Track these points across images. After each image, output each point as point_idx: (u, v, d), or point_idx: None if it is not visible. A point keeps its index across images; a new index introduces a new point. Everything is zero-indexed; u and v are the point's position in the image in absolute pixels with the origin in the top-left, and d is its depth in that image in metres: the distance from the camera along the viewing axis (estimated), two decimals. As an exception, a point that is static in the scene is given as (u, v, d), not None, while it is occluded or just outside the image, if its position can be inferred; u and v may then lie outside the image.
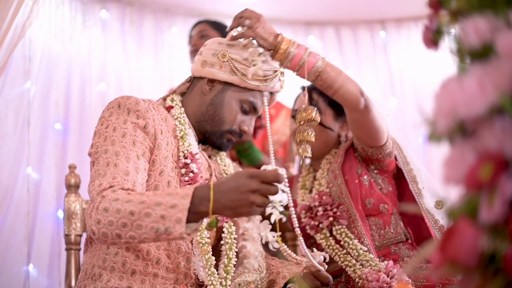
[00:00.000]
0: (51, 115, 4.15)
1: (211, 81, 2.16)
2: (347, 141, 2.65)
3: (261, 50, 2.10)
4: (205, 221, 1.80)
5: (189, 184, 2.03)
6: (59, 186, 4.01)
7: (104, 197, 1.76)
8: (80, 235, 2.48)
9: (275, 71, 2.16)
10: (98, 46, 4.56)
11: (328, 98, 2.54)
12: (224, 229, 2.12)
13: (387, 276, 2.13)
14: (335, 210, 2.42)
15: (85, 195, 2.37)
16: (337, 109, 2.57)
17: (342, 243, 2.36)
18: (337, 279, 2.40)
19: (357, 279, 2.23)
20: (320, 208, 2.44)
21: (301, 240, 1.90)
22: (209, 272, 1.98)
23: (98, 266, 1.95)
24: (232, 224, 2.14)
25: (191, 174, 2.06)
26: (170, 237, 1.66)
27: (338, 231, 2.38)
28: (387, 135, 2.43)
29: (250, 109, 2.18)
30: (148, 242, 1.72)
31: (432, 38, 0.98)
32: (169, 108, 2.18)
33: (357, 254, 2.29)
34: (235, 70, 2.11)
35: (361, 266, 2.26)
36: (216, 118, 2.15)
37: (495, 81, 0.79)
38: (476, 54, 0.84)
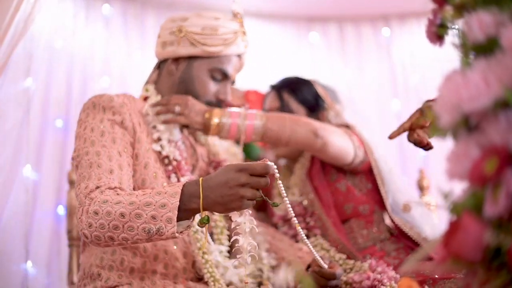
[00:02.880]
0: (52, 112, 4.15)
1: (176, 60, 2.15)
2: None
3: None
4: (198, 216, 1.79)
5: (174, 172, 2.03)
6: (59, 183, 4.01)
7: (92, 199, 1.74)
8: (83, 231, 2.49)
9: (236, 32, 2.14)
10: (101, 42, 4.56)
11: (299, 96, 2.53)
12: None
13: (373, 273, 2.12)
14: (308, 220, 2.39)
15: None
16: (309, 106, 2.55)
17: (321, 251, 2.33)
18: None
19: (343, 286, 2.20)
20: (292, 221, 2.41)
21: (300, 231, 1.88)
22: (203, 261, 1.96)
23: (96, 265, 1.94)
24: None
25: (174, 162, 2.05)
26: (163, 237, 1.65)
27: (314, 243, 2.34)
28: (354, 149, 2.37)
29: (221, 76, 2.16)
30: (142, 242, 1.71)
31: (436, 33, 0.98)
32: (145, 99, 2.17)
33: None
34: (194, 42, 2.09)
35: (345, 272, 2.23)
36: (189, 94, 2.13)
37: (499, 75, 0.79)
38: (481, 49, 0.84)
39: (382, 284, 2.04)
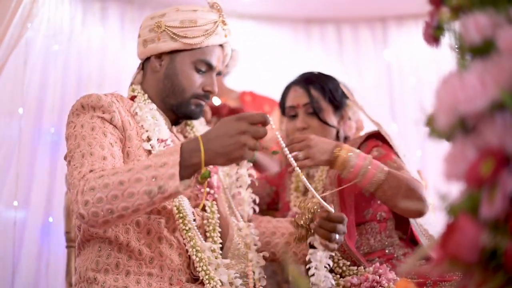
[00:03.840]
0: (45, 119, 4.15)
1: (158, 57, 2.14)
2: (345, 138, 2.60)
3: None
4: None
5: None
6: (50, 191, 4.02)
7: (87, 179, 1.70)
8: (81, 233, 2.49)
9: (215, 22, 2.13)
10: (98, 45, 4.56)
11: (327, 93, 2.50)
12: (207, 208, 2.08)
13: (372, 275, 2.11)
14: None
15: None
16: (336, 104, 2.53)
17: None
18: None
19: None
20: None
21: (302, 177, 1.87)
22: (197, 259, 1.95)
23: (91, 269, 1.92)
24: (214, 203, 2.11)
25: None
26: (166, 195, 1.63)
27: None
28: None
29: (206, 68, 2.14)
30: (143, 208, 1.67)
31: (433, 35, 0.98)
32: (132, 98, 2.16)
33: (340, 271, 2.23)
34: (174, 36, 2.08)
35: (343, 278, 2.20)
36: (175, 89, 2.12)
37: (496, 77, 0.79)
38: (477, 50, 0.84)
39: (381, 286, 2.03)
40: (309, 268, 1.94)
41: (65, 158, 1.92)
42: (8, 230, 3.78)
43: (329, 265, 1.93)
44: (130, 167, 1.67)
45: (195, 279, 1.98)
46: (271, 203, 2.67)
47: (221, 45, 2.18)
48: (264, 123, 1.65)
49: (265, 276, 1.99)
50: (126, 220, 1.73)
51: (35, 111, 4.13)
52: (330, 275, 1.90)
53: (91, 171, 1.75)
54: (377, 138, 2.45)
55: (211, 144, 1.64)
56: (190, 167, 1.65)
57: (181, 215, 1.96)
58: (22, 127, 3.95)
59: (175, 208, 1.96)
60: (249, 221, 2.16)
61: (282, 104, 2.61)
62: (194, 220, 2.02)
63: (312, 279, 1.86)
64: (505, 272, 0.76)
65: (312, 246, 1.98)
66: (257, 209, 1.80)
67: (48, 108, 4.19)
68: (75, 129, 1.90)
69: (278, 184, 2.67)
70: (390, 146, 2.41)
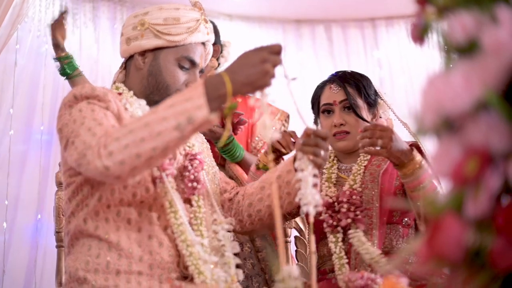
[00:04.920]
0: (36, 120, 4.15)
1: (142, 54, 2.14)
2: None
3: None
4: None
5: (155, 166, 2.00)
6: (40, 192, 4.02)
7: (108, 134, 1.72)
8: (71, 233, 2.48)
9: (197, 20, 2.14)
10: (89, 45, 4.56)
11: (363, 92, 2.51)
12: (193, 202, 2.07)
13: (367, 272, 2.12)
14: (357, 212, 2.35)
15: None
16: (370, 102, 2.53)
17: (354, 247, 2.31)
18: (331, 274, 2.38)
19: (342, 286, 2.20)
20: (345, 206, 2.37)
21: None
22: (188, 253, 1.95)
23: (81, 269, 1.90)
24: (201, 197, 2.10)
25: None
26: (195, 125, 1.66)
27: (352, 234, 2.32)
28: None
29: (189, 65, 2.14)
30: (173, 146, 1.70)
31: (419, 34, 0.98)
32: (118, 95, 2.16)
33: (370, 257, 2.24)
34: (158, 33, 2.09)
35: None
36: (160, 86, 2.11)
37: (480, 77, 0.79)
38: (462, 50, 0.84)
39: (375, 284, 2.04)
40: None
41: (65, 147, 1.87)
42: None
43: (315, 184, 1.94)
44: (153, 110, 1.71)
45: (185, 277, 1.98)
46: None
47: (203, 43, 2.19)
48: (280, 52, 1.73)
49: (245, 269, 2.00)
50: (154, 163, 1.76)
51: (26, 111, 4.13)
52: (317, 193, 1.90)
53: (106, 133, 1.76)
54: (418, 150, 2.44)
55: (236, 75, 1.69)
56: (217, 99, 1.68)
57: (173, 209, 1.95)
58: (13, 126, 3.95)
59: (167, 203, 1.95)
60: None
61: (315, 102, 2.61)
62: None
63: (301, 201, 1.85)
64: (489, 270, 0.77)
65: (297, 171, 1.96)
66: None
67: (39, 108, 4.18)
68: (72, 115, 1.88)
69: None
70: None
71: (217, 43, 3.71)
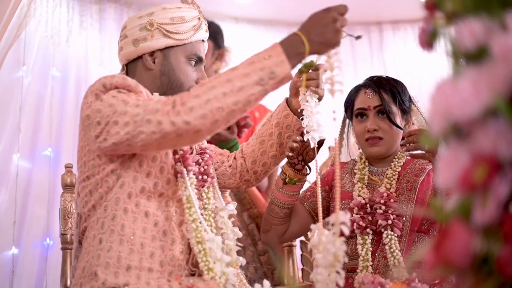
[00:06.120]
0: (45, 116, 4.15)
1: (151, 55, 2.15)
2: None
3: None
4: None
5: (179, 162, 2.03)
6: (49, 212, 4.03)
7: (184, 94, 1.80)
8: (76, 235, 2.48)
9: (198, 18, 2.18)
10: (95, 47, 4.57)
11: (397, 98, 2.49)
12: (203, 194, 2.11)
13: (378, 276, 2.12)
14: (394, 216, 2.33)
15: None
16: (404, 108, 2.52)
17: (387, 248, 2.29)
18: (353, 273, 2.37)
19: (356, 285, 2.20)
20: (383, 207, 2.35)
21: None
22: (198, 250, 1.96)
23: (94, 264, 1.91)
24: (210, 190, 2.13)
25: (180, 151, 2.05)
26: (277, 79, 1.76)
27: (389, 236, 2.31)
28: None
29: (196, 61, 2.18)
30: (254, 100, 1.78)
31: (428, 40, 0.98)
32: None
33: (397, 263, 2.23)
34: (167, 33, 2.11)
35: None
36: (173, 84, 2.14)
37: (489, 84, 0.79)
38: (471, 57, 0.84)
39: None
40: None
41: (100, 133, 1.87)
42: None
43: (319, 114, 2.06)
44: (232, 68, 1.81)
45: (192, 274, 1.99)
46: (328, 208, 2.64)
47: (203, 40, 2.22)
48: (346, 12, 1.85)
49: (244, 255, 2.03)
50: (234, 117, 1.82)
51: (34, 109, 4.13)
52: (321, 123, 2.03)
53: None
54: None
55: (311, 35, 1.81)
56: (296, 57, 1.80)
57: (189, 205, 1.97)
58: (21, 121, 3.96)
59: (185, 198, 1.98)
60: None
61: (349, 105, 2.60)
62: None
63: (305, 129, 2.01)
64: (497, 277, 0.77)
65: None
66: None
67: (47, 107, 4.19)
68: (104, 101, 1.90)
69: (330, 180, 2.64)
70: None
71: (222, 47, 3.72)
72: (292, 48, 1.79)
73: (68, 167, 2.58)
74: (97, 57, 4.56)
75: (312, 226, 1.89)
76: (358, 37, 2.01)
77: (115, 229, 1.91)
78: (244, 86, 1.74)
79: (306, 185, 2.49)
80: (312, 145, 2.02)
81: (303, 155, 2.29)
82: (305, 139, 2.04)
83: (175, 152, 2.04)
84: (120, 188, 1.93)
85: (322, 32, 1.81)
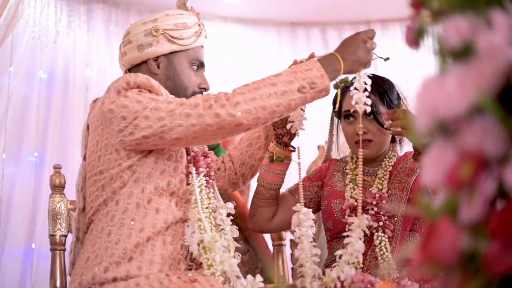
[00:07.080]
0: (32, 115, 4.14)
1: (155, 60, 2.20)
2: (400, 140, 2.61)
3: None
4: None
5: (190, 163, 2.11)
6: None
7: (227, 93, 1.92)
8: (65, 236, 2.47)
9: (199, 24, 2.25)
10: (83, 48, 4.55)
11: (385, 99, 2.49)
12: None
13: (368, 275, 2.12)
14: (386, 218, 2.33)
15: (70, 195, 2.37)
16: (392, 107, 2.47)
17: (377, 249, 2.29)
18: None
19: (346, 286, 2.20)
20: (375, 208, 2.35)
21: None
22: (200, 249, 2.00)
23: (100, 255, 1.94)
24: (211, 190, 2.18)
25: (192, 153, 2.13)
26: (316, 90, 1.92)
27: (379, 238, 2.31)
28: None
29: (198, 66, 2.25)
30: (295, 105, 1.93)
31: (414, 38, 0.98)
32: None
33: (387, 265, 2.23)
34: (171, 38, 2.17)
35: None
36: (178, 88, 2.19)
37: (475, 81, 0.79)
38: (457, 54, 0.84)
39: (373, 287, 2.05)
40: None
41: (125, 126, 1.92)
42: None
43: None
44: (276, 74, 1.96)
45: (189, 269, 2.03)
46: (319, 203, 2.63)
47: (202, 46, 2.29)
48: (374, 36, 2.08)
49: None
50: (274, 118, 1.94)
51: (20, 108, 4.12)
52: (303, 113, 2.30)
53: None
54: None
55: (345, 54, 2.01)
56: (332, 73, 1.97)
57: (195, 205, 2.04)
58: (8, 124, 3.95)
59: (193, 198, 2.05)
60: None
61: (336, 106, 2.55)
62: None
63: (289, 119, 2.26)
64: (484, 275, 0.77)
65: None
66: None
67: (34, 106, 4.18)
68: (130, 98, 1.96)
69: (322, 176, 2.64)
70: None
71: None
72: (329, 64, 1.96)
73: (57, 167, 2.57)
74: (84, 58, 4.55)
75: (294, 207, 2.16)
76: (386, 59, 2.20)
77: (125, 222, 1.96)
78: (287, 91, 1.88)
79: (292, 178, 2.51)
80: (293, 131, 2.26)
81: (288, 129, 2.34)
82: (288, 127, 2.22)
83: (187, 153, 2.09)
84: (134, 183, 1.98)
85: (354, 51, 2.00)
